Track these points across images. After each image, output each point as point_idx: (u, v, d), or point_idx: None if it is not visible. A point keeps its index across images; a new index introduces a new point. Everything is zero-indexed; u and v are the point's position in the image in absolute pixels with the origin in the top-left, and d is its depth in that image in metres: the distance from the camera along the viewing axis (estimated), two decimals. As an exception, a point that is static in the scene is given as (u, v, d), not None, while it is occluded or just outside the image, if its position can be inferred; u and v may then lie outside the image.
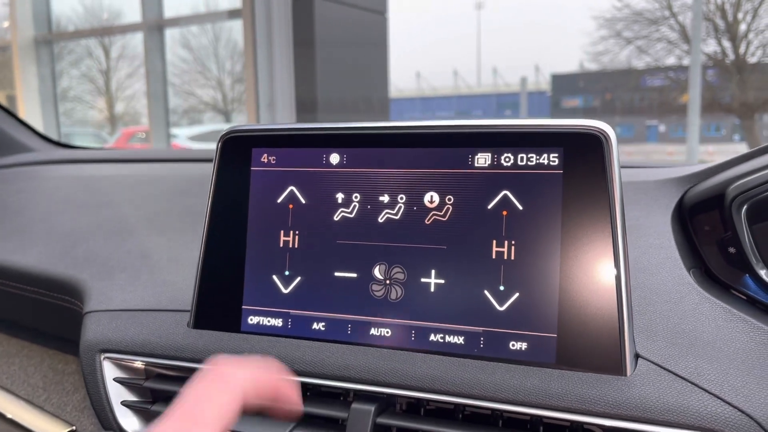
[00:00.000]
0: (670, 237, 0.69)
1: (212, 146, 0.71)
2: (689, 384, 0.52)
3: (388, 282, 0.63)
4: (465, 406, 0.60)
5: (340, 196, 0.65)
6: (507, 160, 0.60)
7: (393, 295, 0.63)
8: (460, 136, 0.62)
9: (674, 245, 0.68)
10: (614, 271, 0.55)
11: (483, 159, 0.61)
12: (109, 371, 0.71)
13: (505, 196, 0.59)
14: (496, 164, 0.60)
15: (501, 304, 0.59)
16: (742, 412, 0.50)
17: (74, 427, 0.91)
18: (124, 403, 0.70)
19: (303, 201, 0.67)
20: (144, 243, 0.90)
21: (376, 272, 0.64)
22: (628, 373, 0.54)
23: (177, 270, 0.82)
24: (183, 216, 0.96)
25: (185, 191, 1.06)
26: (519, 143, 0.60)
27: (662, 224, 0.71)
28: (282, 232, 0.67)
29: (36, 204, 1.11)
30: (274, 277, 0.67)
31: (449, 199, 0.61)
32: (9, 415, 0.96)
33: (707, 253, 0.69)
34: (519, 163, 0.59)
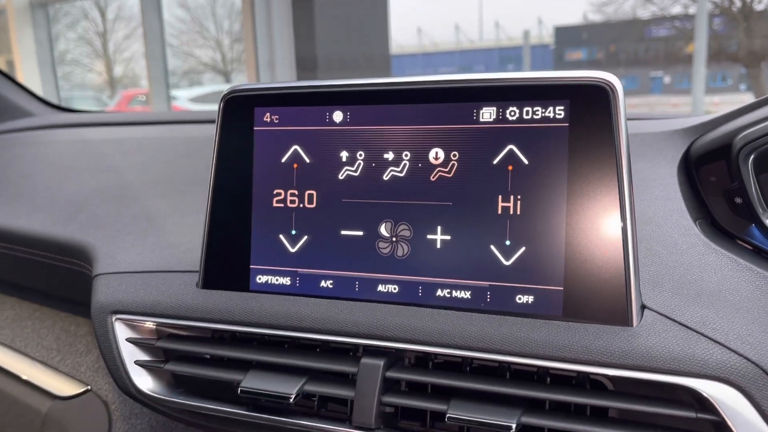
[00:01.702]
0: (676, 189, 0.69)
1: (213, 107, 0.71)
2: (695, 333, 0.53)
3: (394, 239, 0.63)
4: (473, 359, 0.61)
5: (344, 155, 0.65)
6: (512, 114, 0.59)
7: (399, 252, 0.63)
8: (465, 91, 0.61)
9: (680, 197, 0.68)
10: (620, 224, 0.55)
11: (488, 113, 0.60)
12: (121, 332, 0.72)
13: (511, 150, 0.59)
14: (501, 118, 0.60)
15: (507, 259, 0.59)
16: (748, 359, 0.50)
17: (89, 387, 0.93)
18: (138, 363, 0.71)
19: (307, 160, 0.67)
20: (149, 206, 0.91)
21: (383, 230, 0.64)
22: (635, 323, 0.54)
23: (183, 232, 0.82)
24: (187, 178, 0.96)
25: (188, 153, 1.06)
26: (524, 96, 0.59)
27: (668, 176, 0.71)
28: (287, 191, 0.67)
29: (39, 169, 1.11)
30: (281, 236, 0.68)
31: (454, 155, 0.61)
32: (25, 377, 0.98)
33: (713, 204, 0.68)
34: (524, 116, 0.59)
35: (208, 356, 0.71)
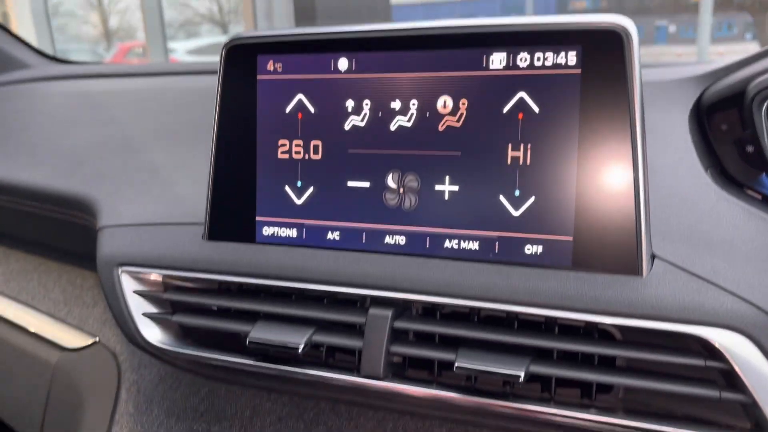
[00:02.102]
0: (687, 137, 0.68)
1: (213, 59, 0.69)
2: (705, 282, 0.52)
3: (401, 190, 0.63)
4: (480, 309, 0.61)
5: (350, 104, 0.64)
6: (523, 60, 0.58)
7: (407, 204, 0.62)
8: (474, 37, 0.59)
9: (691, 146, 0.67)
10: (631, 173, 0.55)
11: (498, 60, 0.59)
12: (128, 284, 0.72)
13: (521, 98, 0.58)
14: (511, 65, 0.58)
15: (516, 209, 0.59)
16: (759, 308, 0.50)
17: (97, 338, 0.93)
18: (145, 315, 0.72)
19: (312, 110, 0.65)
20: (152, 158, 0.90)
21: (389, 181, 0.63)
22: (644, 273, 0.54)
23: (187, 184, 0.81)
24: (189, 129, 0.95)
25: (190, 104, 1.04)
26: (535, 42, 0.57)
27: (679, 125, 0.70)
28: (292, 142, 0.66)
29: (39, 122, 1.09)
30: (287, 188, 0.67)
31: (463, 104, 0.60)
32: (33, 329, 0.99)
33: (723, 153, 0.67)
34: (535, 63, 0.57)
35: (215, 308, 0.72)
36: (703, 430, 0.52)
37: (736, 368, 0.50)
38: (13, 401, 1.01)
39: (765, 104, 0.63)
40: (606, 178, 0.55)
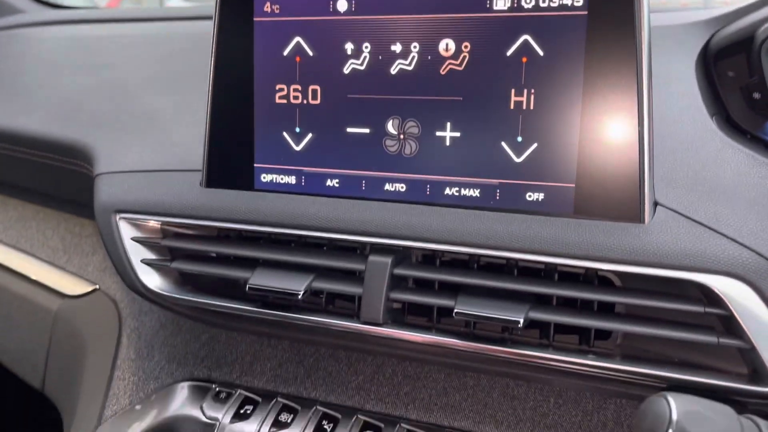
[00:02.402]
0: (693, 83, 0.67)
1: (209, 3, 0.67)
2: (708, 229, 0.52)
3: (402, 137, 0.62)
4: (480, 256, 0.61)
5: (349, 47, 0.62)
6: (528, 1, 0.56)
7: (407, 150, 0.62)
8: None
9: (697, 92, 0.66)
10: (636, 120, 0.54)
11: (502, 1, 0.57)
12: (126, 231, 0.72)
13: (526, 41, 0.56)
14: (516, 6, 0.56)
15: (518, 156, 0.58)
16: (760, 255, 0.50)
17: (97, 286, 0.94)
18: (144, 262, 0.71)
19: (310, 53, 0.64)
20: (148, 104, 0.88)
21: (390, 127, 0.62)
22: (647, 220, 0.54)
23: (184, 130, 0.80)
24: (186, 75, 0.93)
25: (186, 50, 1.02)
26: None
27: (686, 70, 0.68)
28: (290, 87, 0.65)
29: (33, 67, 1.07)
30: (285, 134, 0.66)
31: (466, 47, 0.58)
32: (33, 277, 0.99)
33: (729, 99, 0.66)
34: (540, 4, 0.56)
35: (214, 255, 0.72)
36: (700, 376, 0.53)
37: (736, 314, 0.50)
38: (15, 348, 1.02)
39: (774, 50, 0.62)
40: (610, 124, 0.54)
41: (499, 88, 0.58)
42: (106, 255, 0.82)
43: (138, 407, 0.78)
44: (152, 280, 0.72)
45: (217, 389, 0.76)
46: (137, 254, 0.72)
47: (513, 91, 0.57)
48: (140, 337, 0.85)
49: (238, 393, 0.74)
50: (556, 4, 0.55)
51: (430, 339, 0.61)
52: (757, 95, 0.64)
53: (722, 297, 0.50)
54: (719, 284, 0.50)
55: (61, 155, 0.89)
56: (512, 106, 0.58)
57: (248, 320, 0.71)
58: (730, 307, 0.50)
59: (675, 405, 0.41)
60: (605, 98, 0.54)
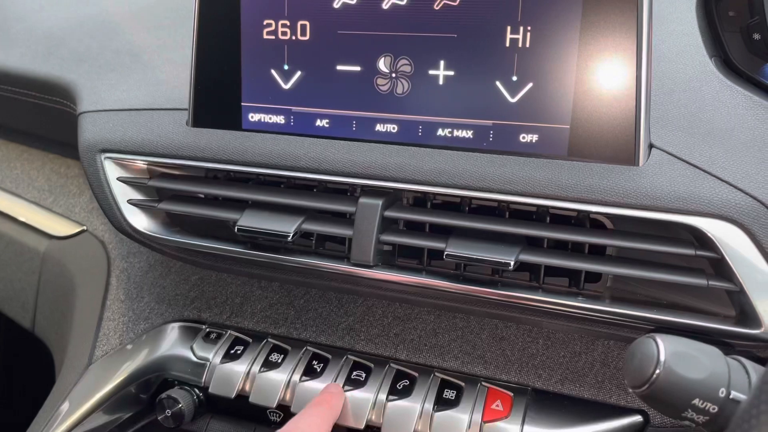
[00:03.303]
0: (694, 24, 0.65)
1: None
2: (702, 172, 0.51)
3: (393, 75, 0.60)
4: (472, 198, 0.60)
5: (340, -19, 0.60)
6: (526, -67, 0.54)
7: (399, 89, 0.60)
8: None
9: (697, 32, 0.64)
10: (634, 60, 0.52)
11: (499, -68, 0.54)
12: (112, 171, 0.70)
13: (523, -25, 0.54)
14: (514, -62, 0.54)
15: (513, 96, 0.56)
16: (754, 197, 0.49)
17: (85, 227, 0.93)
18: (131, 202, 0.70)
19: (300, -13, 0.61)
20: (132, 41, 0.85)
21: (381, 65, 0.60)
22: (641, 162, 0.53)
23: (170, 68, 0.78)
24: (171, 11, 0.90)
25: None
26: None
27: (686, 10, 0.66)
28: (278, 22, 0.63)
29: (12, 1, 1.03)
30: (273, 71, 0.64)
31: (461, -19, 0.56)
32: (22, 218, 0.98)
33: (729, 41, 0.65)
34: (540, -64, 0.53)
35: (202, 195, 0.70)
36: (688, 318, 0.53)
37: (726, 257, 0.50)
38: (4, 288, 1.01)
39: (777, -11, 0.60)
40: (607, 64, 0.53)
41: (494, 25, 0.56)
42: (92, 196, 0.80)
43: (129, 347, 0.78)
44: (140, 221, 0.71)
45: (208, 330, 0.76)
46: (124, 195, 0.70)
47: (509, 28, 0.55)
48: (129, 278, 0.84)
49: (228, 333, 0.75)
50: (555, -64, 0.53)
51: (421, 281, 0.61)
52: (757, 36, 0.62)
53: (713, 240, 0.50)
54: (711, 227, 0.50)
55: (44, 93, 0.86)
56: (508, 44, 0.56)
57: (238, 262, 0.71)
58: (721, 250, 0.50)
59: (663, 345, 0.41)
60: (603, 37, 0.53)
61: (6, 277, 1.01)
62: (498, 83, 0.57)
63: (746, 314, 0.51)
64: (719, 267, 0.52)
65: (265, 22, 0.63)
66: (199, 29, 0.65)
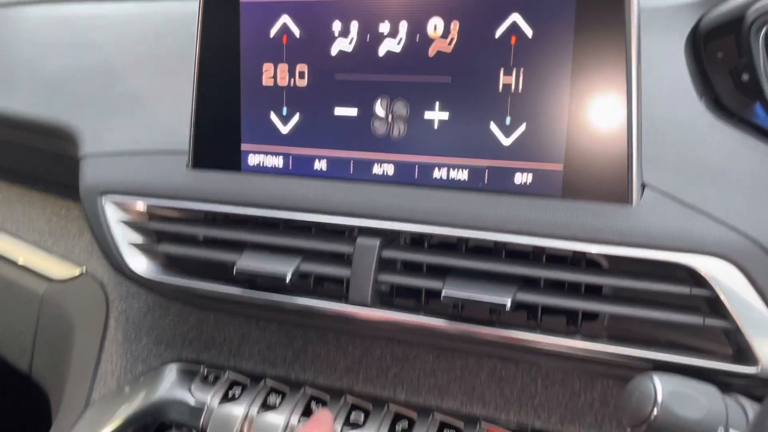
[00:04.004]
0: (683, 65, 0.67)
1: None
2: (695, 211, 0.52)
3: (390, 118, 0.61)
4: (468, 239, 0.61)
5: (336, 27, 0.62)
6: (517, -19, 0.55)
7: (395, 132, 0.61)
8: None
9: (686, 74, 0.65)
10: (625, 101, 0.53)
11: (491, -18, 0.56)
12: (112, 213, 0.71)
13: (514, 21, 0.56)
14: (505, -14, 0.56)
15: (507, 137, 0.58)
16: (747, 236, 0.50)
17: (84, 269, 0.93)
18: (131, 244, 0.71)
19: (297, 34, 0.63)
20: (134, 85, 0.87)
21: (378, 108, 0.61)
22: (634, 201, 0.54)
23: (171, 111, 0.79)
24: (172, 55, 0.92)
25: (172, 30, 1.01)
26: None
27: (675, 52, 0.68)
28: (277, 67, 0.64)
29: (15, 46, 1.05)
30: (272, 115, 0.65)
31: (454, 27, 0.58)
32: (20, 261, 0.99)
33: (718, 81, 0.66)
34: (530, -16, 0.55)
35: (201, 237, 0.71)
36: (685, 356, 0.53)
37: (721, 296, 0.50)
38: (2, 331, 1.01)
39: (763, 31, 0.62)
40: (598, 105, 0.54)
41: (487, 69, 0.57)
42: (93, 237, 0.81)
43: (126, 389, 0.78)
44: (139, 263, 0.71)
45: (206, 371, 0.76)
46: (124, 237, 0.71)
47: (502, 72, 0.57)
48: (128, 320, 0.84)
49: (226, 375, 0.74)
50: (545, -16, 0.55)
51: (418, 321, 0.61)
52: (745, 77, 0.64)
53: (708, 278, 0.51)
54: (705, 266, 0.51)
55: (47, 136, 0.87)
56: (501, 88, 0.57)
57: (236, 303, 0.71)
58: (716, 289, 0.50)
59: (661, 385, 0.41)
60: (594, 80, 0.54)
61: (4, 321, 1.00)
62: (492, 125, 0.58)
63: (743, 353, 0.51)
64: (715, 305, 0.52)
65: (264, 68, 0.65)
66: (199, 74, 0.67)
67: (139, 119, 0.79)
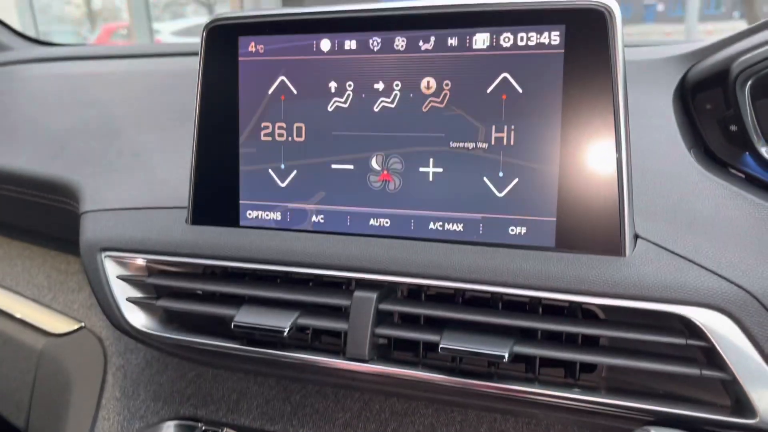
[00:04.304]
0: (671, 117, 0.68)
1: (198, 40, 0.68)
2: (687, 262, 0.53)
3: (386, 172, 0.62)
4: (465, 290, 0.61)
5: (333, 85, 0.63)
6: (506, 40, 0.57)
7: (391, 186, 0.62)
8: (458, 17, 0.59)
9: (675, 125, 0.67)
10: (615, 153, 0.55)
11: (482, 40, 0.58)
12: (112, 269, 0.72)
13: (505, 78, 0.57)
14: (495, 45, 0.58)
15: (500, 190, 0.59)
16: (740, 287, 0.50)
17: (83, 324, 0.93)
18: (130, 300, 0.71)
19: (295, 91, 0.65)
20: (135, 141, 0.89)
21: (374, 163, 0.63)
22: (627, 253, 0.54)
23: (171, 167, 0.81)
24: (172, 112, 0.94)
25: (173, 87, 1.03)
26: (519, 22, 0.57)
27: (663, 104, 0.70)
28: (275, 124, 0.66)
29: (19, 105, 1.08)
30: (270, 170, 0.66)
31: (446, 85, 0.59)
32: (18, 315, 0.99)
33: (707, 132, 0.68)
34: (519, 43, 0.57)
35: (199, 292, 0.71)
36: (684, 408, 0.53)
37: (717, 346, 0.50)
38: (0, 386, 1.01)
39: (748, 83, 0.63)
40: (589, 158, 0.55)
41: (479, 125, 0.59)
42: (91, 292, 0.81)
43: (123, 447, 0.77)
44: (137, 318, 0.72)
45: (204, 428, 0.75)
46: (122, 292, 0.71)
47: (493, 127, 0.58)
48: (126, 376, 0.84)
49: (224, 431, 0.74)
50: (533, 43, 0.56)
51: (416, 375, 0.61)
52: (733, 128, 0.65)
53: (703, 329, 0.51)
54: (700, 316, 0.51)
55: (48, 193, 0.89)
56: (493, 142, 0.58)
57: (234, 358, 0.71)
58: (712, 339, 0.51)
59: (659, 439, 0.41)
60: (583, 133, 0.55)
61: (2, 376, 1.00)
62: (485, 179, 0.59)
63: (741, 404, 0.51)
64: (712, 356, 0.52)
65: (262, 125, 0.66)
66: (199, 131, 0.68)
67: (139, 175, 0.81)
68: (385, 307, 0.61)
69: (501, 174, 0.58)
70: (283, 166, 0.66)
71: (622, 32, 0.54)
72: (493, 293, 0.59)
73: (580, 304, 0.57)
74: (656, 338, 0.53)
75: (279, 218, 0.66)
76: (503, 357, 0.55)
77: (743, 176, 0.63)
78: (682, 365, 0.53)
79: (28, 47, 1.46)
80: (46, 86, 1.15)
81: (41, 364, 0.94)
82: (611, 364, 0.55)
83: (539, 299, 0.59)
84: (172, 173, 0.79)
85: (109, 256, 0.72)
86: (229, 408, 0.77)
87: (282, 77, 0.65)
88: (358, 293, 0.61)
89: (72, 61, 1.26)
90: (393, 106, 0.62)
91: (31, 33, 1.51)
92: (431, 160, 0.61)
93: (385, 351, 0.65)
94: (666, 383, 0.57)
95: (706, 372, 0.52)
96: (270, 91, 0.66)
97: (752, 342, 0.50)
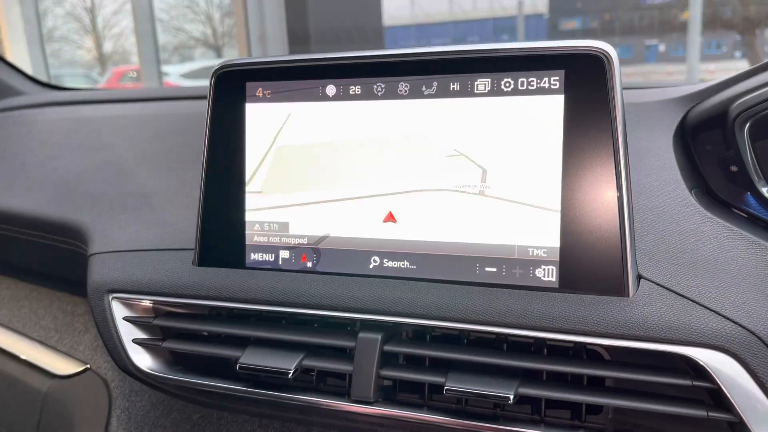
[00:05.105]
0: (672, 158, 0.69)
1: (206, 83, 0.70)
2: (691, 302, 0.53)
3: (390, 213, 0.63)
4: (470, 331, 0.61)
5: (338, 129, 0.65)
6: (507, 85, 0.59)
7: (395, 227, 0.63)
8: (460, 63, 0.60)
9: (676, 166, 0.68)
10: (616, 195, 0.55)
11: (483, 85, 0.59)
12: (118, 311, 0.72)
13: (506, 122, 0.59)
14: (496, 90, 0.59)
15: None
16: (744, 327, 0.50)
17: (88, 365, 0.93)
18: (136, 341, 0.71)
19: (300, 135, 0.66)
20: (143, 184, 0.90)
21: (378, 204, 0.63)
22: (631, 294, 0.54)
23: (178, 210, 0.81)
24: (180, 155, 0.95)
25: (181, 130, 1.05)
26: (519, 67, 0.58)
27: (664, 145, 0.70)
28: None
29: (30, 148, 1.10)
30: (275, 212, 0.67)
31: (449, 128, 0.61)
32: (24, 356, 0.99)
33: (708, 172, 0.68)
34: (519, 87, 0.58)
35: (205, 333, 0.72)
36: None
37: (723, 388, 0.50)
38: (3, 429, 1.00)
39: (747, 125, 0.64)
40: (590, 200, 0.56)
41: (482, 167, 0.59)
42: (97, 334, 0.82)
43: (126, 492, 0.76)
44: (143, 360, 0.72)
45: (207, 471, 0.74)
46: (129, 334, 0.72)
47: (496, 169, 0.59)
48: (130, 418, 0.84)
49: (228, 475, 0.73)
50: (534, 87, 0.58)
51: (422, 417, 0.60)
52: (734, 168, 0.66)
53: (708, 370, 0.51)
54: (705, 357, 0.51)
55: (57, 235, 0.90)
56: (496, 184, 0.59)
57: (239, 400, 0.71)
58: (717, 381, 0.50)
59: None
60: (585, 175, 0.56)
61: (6, 419, 0.99)
62: (488, 220, 0.59)
63: (749, 446, 0.51)
64: (718, 397, 0.52)
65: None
66: (206, 174, 0.69)
67: (147, 217, 0.82)
68: (390, 348, 0.61)
69: (504, 215, 0.59)
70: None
71: (620, 75, 0.56)
72: (498, 334, 0.59)
73: (584, 344, 0.57)
74: (662, 379, 0.53)
75: (284, 259, 0.67)
76: (509, 398, 0.55)
77: (745, 216, 0.63)
78: (689, 407, 0.53)
79: (39, 92, 1.50)
80: (56, 130, 1.17)
81: (46, 405, 0.94)
82: (617, 405, 0.55)
83: (544, 340, 0.59)
84: (180, 215, 0.80)
85: (116, 298, 0.72)
86: (233, 451, 0.76)
87: (289, 120, 0.66)
88: (362, 334, 0.62)
89: (82, 105, 1.29)
90: (397, 148, 0.63)
91: (42, 77, 1.54)
92: (435, 201, 0.61)
93: (390, 392, 0.64)
94: (673, 424, 0.57)
95: (712, 414, 0.51)
96: (276, 135, 0.67)
97: (758, 383, 0.50)
